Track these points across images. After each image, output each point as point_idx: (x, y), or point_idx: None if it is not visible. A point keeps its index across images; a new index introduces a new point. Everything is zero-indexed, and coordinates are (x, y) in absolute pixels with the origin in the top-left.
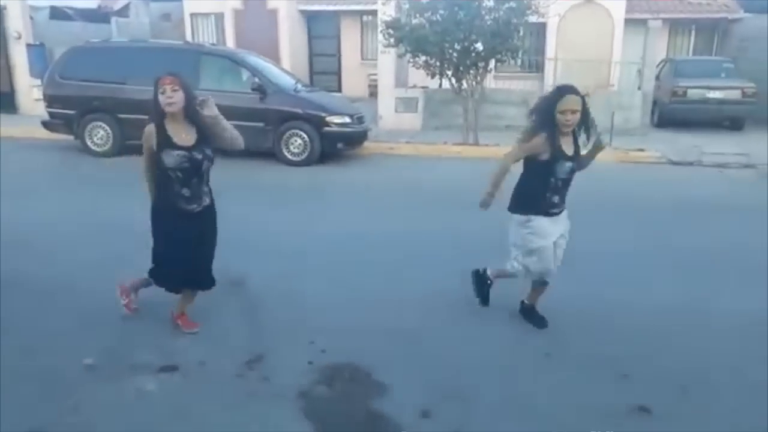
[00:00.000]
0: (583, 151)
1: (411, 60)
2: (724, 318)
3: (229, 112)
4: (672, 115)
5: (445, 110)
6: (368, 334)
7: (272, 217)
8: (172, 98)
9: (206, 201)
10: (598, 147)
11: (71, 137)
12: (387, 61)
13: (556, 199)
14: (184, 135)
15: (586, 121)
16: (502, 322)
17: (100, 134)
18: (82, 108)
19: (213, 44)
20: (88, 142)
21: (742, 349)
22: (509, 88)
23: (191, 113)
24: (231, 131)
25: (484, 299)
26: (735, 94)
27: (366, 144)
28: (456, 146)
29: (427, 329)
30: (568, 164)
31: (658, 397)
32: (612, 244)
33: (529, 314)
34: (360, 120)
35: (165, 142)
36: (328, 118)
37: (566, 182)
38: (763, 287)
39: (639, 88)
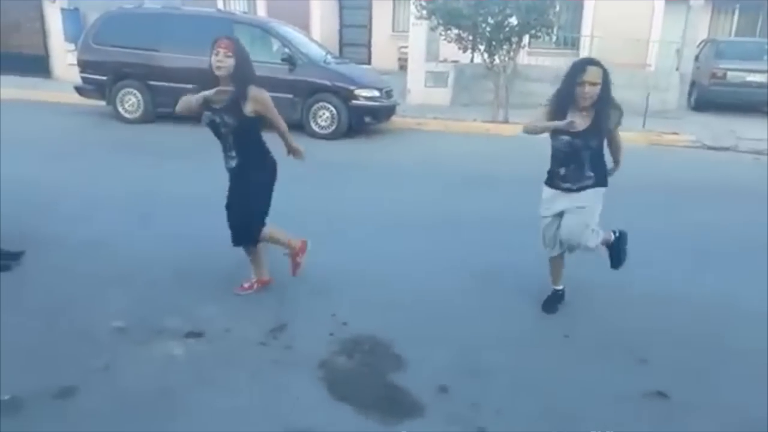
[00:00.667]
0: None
1: (443, 33)
2: (748, 306)
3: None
4: (710, 97)
5: (475, 86)
6: (390, 308)
7: (296, 191)
8: (223, 62)
9: (231, 163)
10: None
11: (103, 103)
12: (418, 33)
13: (562, 171)
14: (219, 98)
15: (607, 97)
16: (524, 302)
17: (131, 101)
18: (114, 74)
19: (245, 13)
20: (120, 109)
21: (760, 337)
22: (543, 64)
23: (238, 82)
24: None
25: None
26: None
27: (394, 119)
28: (485, 123)
29: (448, 306)
30: (565, 138)
31: (676, 383)
32: (637, 228)
33: (548, 299)
34: (388, 94)
35: (205, 99)
36: (357, 91)
37: (571, 156)
38: None
39: (677, 69)
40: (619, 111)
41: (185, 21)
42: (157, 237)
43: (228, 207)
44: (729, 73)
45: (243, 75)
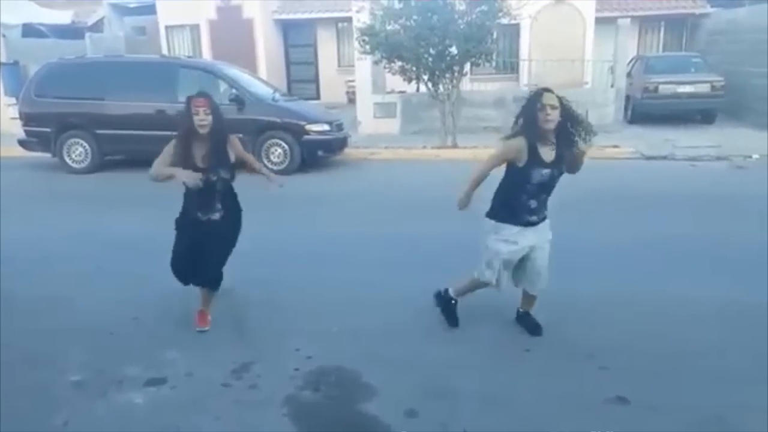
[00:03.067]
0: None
1: (387, 66)
2: (699, 306)
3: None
4: (645, 110)
5: (423, 114)
6: (353, 337)
7: (253, 226)
8: (205, 120)
9: (215, 215)
10: (579, 152)
11: (49, 155)
12: (364, 67)
13: (533, 204)
14: (204, 155)
15: (573, 122)
16: (483, 321)
17: (78, 151)
18: (59, 125)
19: (189, 57)
20: (67, 159)
21: (717, 336)
22: (485, 89)
23: (216, 135)
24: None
25: (453, 320)
26: (705, 88)
27: (346, 150)
28: (435, 149)
29: (410, 331)
30: (546, 171)
31: (636, 387)
32: (587, 238)
33: (524, 320)
34: (339, 127)
35: (186, 161)
36: (307, 127)
37: (544, 187)
38: (735, 275)
39: (612, 86)
40: (589, 129)
41: (131, 68)
42: (113, 285)
43: (203, 254)
44: (660, 86)
45: (222, 127)
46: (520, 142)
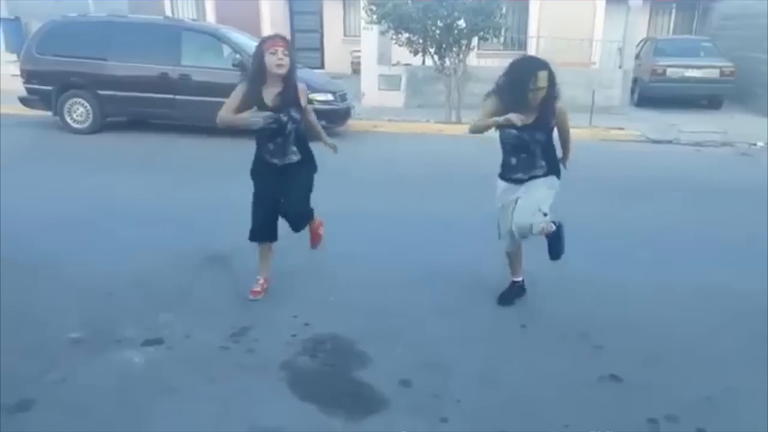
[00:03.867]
0: None
1: (394, 37)
2: (695, 291)
3: (210, 89)
4: (652, 93)
5: (428, 88)
6: (351, 308)
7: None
8: (283, 60)
9: (292, 158)
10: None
11: (50, 114)
12: (370, 37)
13: (513, 161)
14: (275, 97)
15: (552, 93)
16: (482, 297)
17: (79, 111)
18: (61, 84)
19: (194, 20)
20: (68, 119)
21: (712, 321)
22: (492, 65)
23: (288, 76)
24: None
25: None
26: (713, 73)
27: (349, 122)
28: (439, 124)
29: (408, 303)
30: (512, 131)
31: (629, 366)
32: (586, 219)
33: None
34: (343, 97)
35: (256, 102)
36: (311, 96)
37: (520, 147)
38: (732, 261)
39: (620, 67)
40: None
41: (133, 29)
42: (111, 247)
43: (287, 198)
44: (668, 70)
45: (294, 70)
46: (491, 105)
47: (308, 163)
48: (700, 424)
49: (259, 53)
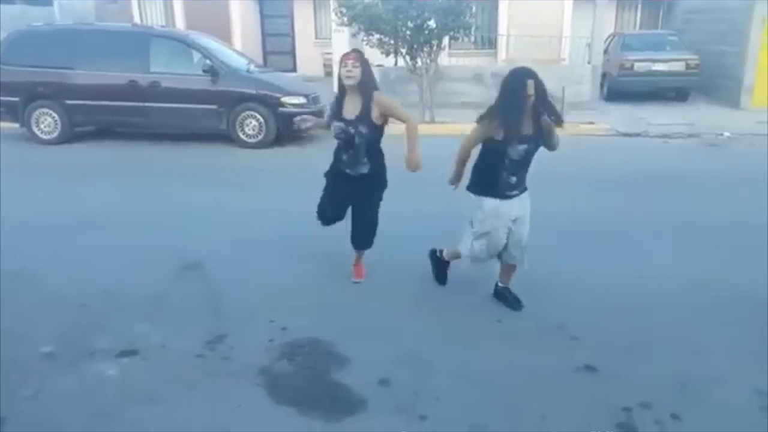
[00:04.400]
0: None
1: (365, 38)
2: (666, 281)
3: (180, 95)
4: (620, 87)
5: (400, 88)
6: (327, 310)
7: (228, 200)
8: (351, 72)
9: (362, 169)
10: (546, 124)
11: (17, 125)
12: (341, 40)
13: (513, 179)
14: (351, 109)
15: (544, 100)
16: (457, 294)
17: (47, 121)
18: (27, 94)
19: (162, 26)
20: (35, 130)
21: (683, 310)
22: (463, 64)
23: (364, 90)
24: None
25: (441, 279)
26: (679, 66)
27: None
28: None
29: (383, 304)
30: (522, 146)
31: (604, 357)
32: (560, 214)
33: (503, 296)
34: (316, 100)
35: (335, 113)
36: (283, 99)
37: (522, 163)
38: (699, 250)
39: (589, 62)
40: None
41: (100, 36)
42: (82, 258)
43: (357, 210)
44: (636, 64)
45: (370, 83)
46: (497, 119)
47: (378, 178)
48: (673, 409)
49: (340, 65)
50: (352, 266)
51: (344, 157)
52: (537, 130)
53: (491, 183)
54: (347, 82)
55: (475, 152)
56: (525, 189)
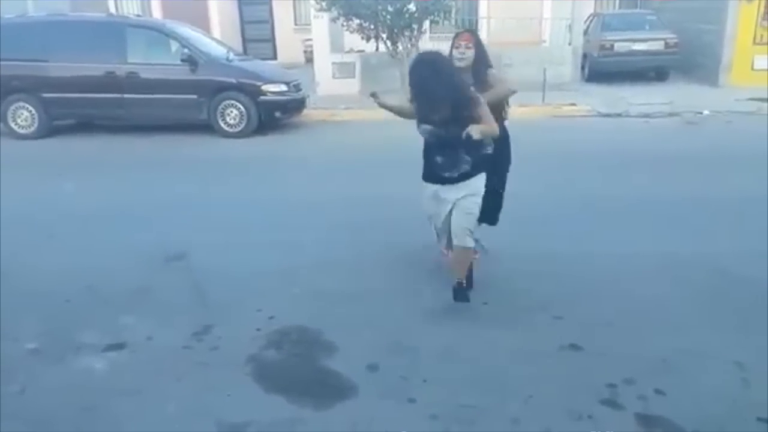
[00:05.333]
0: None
1: (344, 24)
2: (647, 260)
3: (159, 85)
4: (601, 68)
5: (382, 74)
6: (314, 298)
7: (212, 190)
8: (463, 55)
9: (488, 149)
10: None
11: None
12: (321, 25)
13: (439, 159)
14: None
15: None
16: (442, 276)
17: (24, 115)
18: (2, 88)
19: (138, 16)
20: (12, 125)
21: (664, 288)
22: (445, 48)
23: (478, 73)
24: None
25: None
26: (659, 45)
27: (305, 112)
28: None
29: (370, 291)
30: (426, 126)
31: (588, 335)
32: (541, 195)
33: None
34: (297, 87)
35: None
36: (264, 87)
37: (446, 143)
38: (679, 228)
39: (569, 44)
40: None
41: (75, 28)
42: (64, 253)
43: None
44: (616, 44)
45: (482, 63)
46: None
47: (506, 153)
48: (656, 385)
49: (451, 50)
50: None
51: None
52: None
53: (427, 167)
54: (459, 64)
55: None
56: (468, 175)
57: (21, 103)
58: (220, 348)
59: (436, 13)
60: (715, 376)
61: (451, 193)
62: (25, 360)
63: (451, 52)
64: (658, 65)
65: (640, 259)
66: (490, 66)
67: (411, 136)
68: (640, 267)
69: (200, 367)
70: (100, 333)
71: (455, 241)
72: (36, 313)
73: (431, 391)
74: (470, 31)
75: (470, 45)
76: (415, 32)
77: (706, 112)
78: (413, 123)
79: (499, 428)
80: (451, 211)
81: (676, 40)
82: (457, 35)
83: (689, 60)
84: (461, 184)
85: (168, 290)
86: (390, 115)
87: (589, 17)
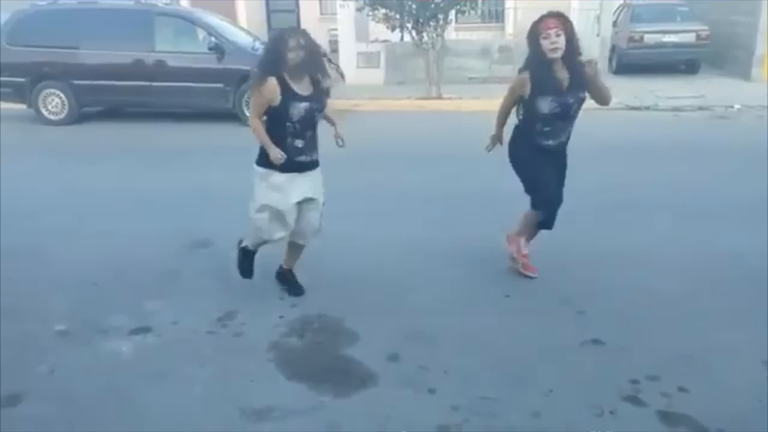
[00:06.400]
0: None
1: (370, 13)
2: (675, 252)
3: (186, 73)
4: (630, 60)
5: (407, 64)
6: (337, 286)
7: (237, 178)
8: (557, 43)
9: (562, 137)
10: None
11: (24, 106)
12: (346, 15)
13: (299, 143)
14: (560, 77)
15: (314, 58)
16: (465, 268)
17: (54, 102)
18: (33, 75)
19: (167, 3)
20: (43, 111)
21: (691, 281)
22: (470, 39)
23: (571, 58)
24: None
25: (247, 272)
26: (690, 38)
27: (329, 101)
28: (419, 100)
29: (393, 278)
30: (303, 104)
31: (611, 330)
32: (567, 187)
33: (283, 278)
34: None
35: (541, 86)
36: None
37: (308, 124)
38: (710, 222)
39: (597, 35)
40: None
41: (105, 15)
42: (94, 238)
43: (552, 185)
44: (645, 36)
45: (576, 47)
46: (274, 80)
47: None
48: (680, 382)
49: (532, 38)
50: (522, 257)
51: (547, 129)
52: (317, 88)
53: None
54: (553, 55)
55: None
56: (317, 164)
57: (52, 90)
58: (244, 334)
59: (462, 4)
60: (741, 375)
61: (304, 186)
62: (55, 341)
63: (537, 42)
64: (688, 58)
65: (666, 254)
66: (581, 54)
67: (430, 128)
68: (666, 261)
69: (224, 352)
70: (126, 317)
71: (309, 236)
72: (65, 296)
73: (451, 381)
74: (558, 14)
75: (560, 31)
76: (441, 22)
77: (737, 106)
78: (438, 114)
79: (519, 421)
80: (302, 205)
81: (707, 32)
82: (540, 20)
83: (721, 53)
84: (316, 178)
85: (194, 275)
86: (410, 107)
87: (618, 8)
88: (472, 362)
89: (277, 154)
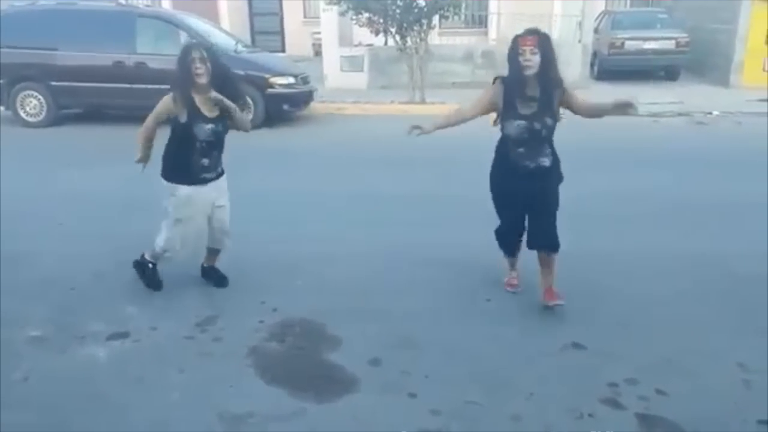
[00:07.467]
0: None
1: (354, 17)
2: (655, 259)
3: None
4: (611, 66)
5: (391, 68)
6: (318, 291)
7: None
8: (530, 61)
9: (545, 162)
10: (218, 101)
11: (1, 108)
12: (330, 19)
13: (205, 162)
14: (530, 95)
15: (224, 77)
16: (446, 273)
17: (32, 104)
18: (11, 76)
19: (147, 6)
20: (21, 113)
21: (671, 287)
22: (454, 44)
23: (543, 77)
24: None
25: (155, 284)
26: (669, 44)
27: (312, 105)
28: (403, 105)
29: (374, 284)
30: (209, 126)
31: (591, 334)
32: None
33: (209, 274)
34: (305, 80)
35: (508, 109)
36: (272, 79)
37: (214, 144)
38: (691, 228)
39: (579, 41)
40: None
41: (84, 17)
42: (71, 241)
43: (539, 212)
44: (626, 42)
45: (552, 71)
46: (172, 99)
47: (558, 166)
48: (658, 385)
49: (511, 53)
50: (543, 290)
51: (520, 149)
52: (222, 110)
53: (183, 168)
54: (527, 72)
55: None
56: (222, 173)
57: (30, 92)
58: (223, 339)
59: (445, 8)
60: (717, 377)
61: (211, 195)
62: (29, 348)
63: (516, 58)
64: (668, 64)
65: (646, 260)
66: (560, 78)
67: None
68: (646, 266)
69: (203, 357)
70: (104, 322)
71: (220, 240)
72: (41, 301)
73: (433, 386)
74: (535, 31)
75: (535, 50)
76: (425, 27)
77: (716, 112)
78: (421, 118)
79: (500, 425)
80: (211, 214)
81: (687, 40)
82: (518, 37)
83: (700, 60)
84: (220, 184)
85: (173, 280)
86: (394, 111)
87: (599, 15)
88: (453, 367)
89: (142, 160)
